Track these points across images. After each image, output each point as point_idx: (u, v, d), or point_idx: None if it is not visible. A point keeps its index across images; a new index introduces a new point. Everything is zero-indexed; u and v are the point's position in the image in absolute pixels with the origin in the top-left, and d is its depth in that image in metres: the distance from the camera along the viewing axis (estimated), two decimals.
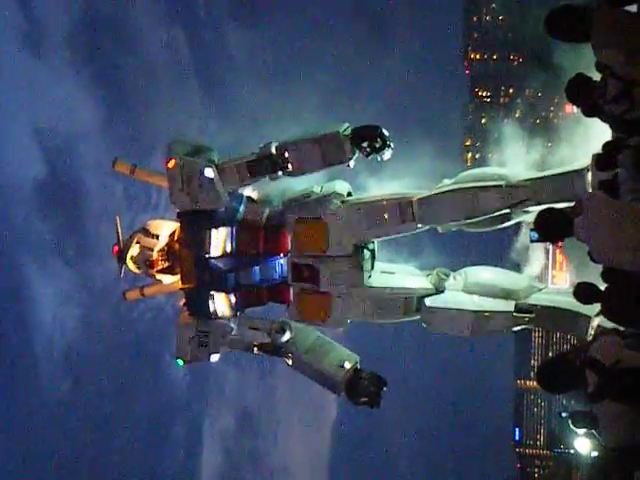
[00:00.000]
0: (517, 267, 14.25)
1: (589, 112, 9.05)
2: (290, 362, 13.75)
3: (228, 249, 13.59)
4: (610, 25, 8.44)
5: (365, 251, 13.36)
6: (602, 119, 9.18)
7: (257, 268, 13.72)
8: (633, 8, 8.72)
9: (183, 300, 13.97)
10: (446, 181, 13.02)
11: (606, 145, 9.04)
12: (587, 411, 8.87)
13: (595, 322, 12.02)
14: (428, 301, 13.23)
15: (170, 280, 14.15)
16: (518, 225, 13.58)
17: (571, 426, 9.91)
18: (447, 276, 13.51)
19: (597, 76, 8.93)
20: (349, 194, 13.46)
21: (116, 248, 14.16)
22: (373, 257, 13.56)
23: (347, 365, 13.41)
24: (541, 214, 8.72)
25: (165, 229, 14.12)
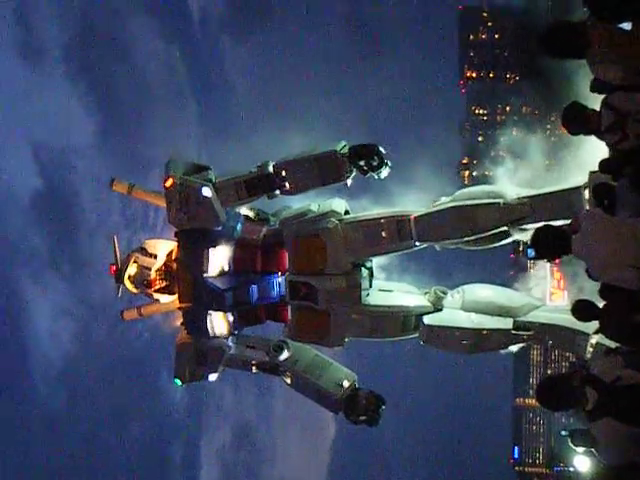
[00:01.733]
0: (515, 285, 14.24)
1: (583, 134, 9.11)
2: (288, 381, 13.72)
3: (226, 268, 13.58)
4: (606, 41, 8.46)
5: (363, 269, 13.36)
6: (599, 137, 9.21)
7: (255, 287, 13.70)
8: (628, 26, 8.76)
9: (181, 320, 13.94)
10: (443, 199, 13.03)
11: (603, 163, 9.06)
12: (586, 429, 8.84)
13: (593, 340, 12.00)
14: (426, 319, 13.21)
15: (168, 299, 14.13)
16: (516, 243, 13.59)
17: (570, 444, 9.87)
18: (445, 294, 13.51)
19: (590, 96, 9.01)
20: (346, 212, 13.47)
21: (114, 267, 14.15)
22: (371, 275, 13.56)
23: (345, 384, 13.39)
24: (538, 231, 8.72)
25: (163, 248, 14.12)
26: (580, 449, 10.27)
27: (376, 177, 13.06)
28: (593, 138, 9.11)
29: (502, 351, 13.42)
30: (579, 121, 8.81)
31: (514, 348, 13.30)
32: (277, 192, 13.39)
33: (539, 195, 12.42)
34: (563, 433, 9.96)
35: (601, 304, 8.55)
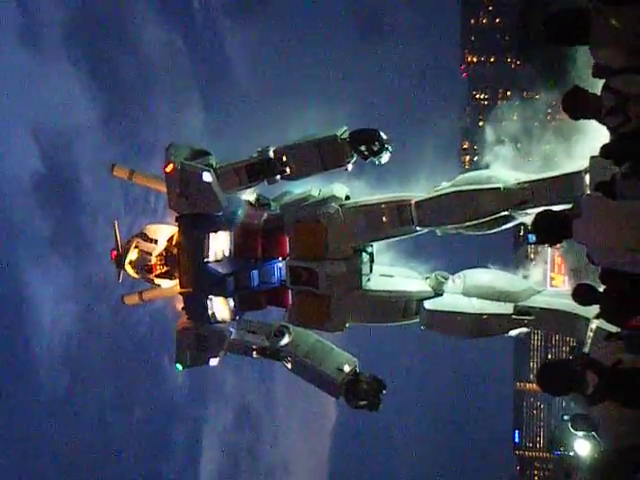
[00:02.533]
0: (515, 270, 14.24)
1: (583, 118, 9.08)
2: (289, 366, 13.75)
3: (227, 253, 13.57)
4: (608, 25, 8.43)
5: (364, 254, 13.36)
6: (599, 121, 9.19)
7: (256, 272, 13.71)
8: None
9: (182, 304, 13.96)
10: (444, 184, 13.01)
11: (604, 147, 9.04)
12: (586, 414, 8.86)
13: (594, 324, 12.00)
14: (427, 304, 13.22)
15: (169, 284, 14.15)
16: (517, 227, 13.58)
17: (571, 429, 9.90)
18: (446, 279, 13.51)
19: (590, 82, 8.98)
20: (347, 197, 13.45)
21: (114, 253, 14.17)
22: (372, 260, 13.57)
23: (346, 368, 13.42)
24: (539, 216, 8.71)
25: (164, 233, 14.13)
26: (580, 433, 10.32)
27: (377, 162, 13.04)
28: (594, 123, 9.10)
29: (504, 335, 13.45)
30: (580, 105, 8.79)
31: (515, 333, 13.32)
32: (278, 177, 13.37)
33: (540, 180, 12.40)
34: (565, 418, 10.01)
35: (602, 288, 8.57)
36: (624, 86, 8.42)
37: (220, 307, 13.69)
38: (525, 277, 13.94)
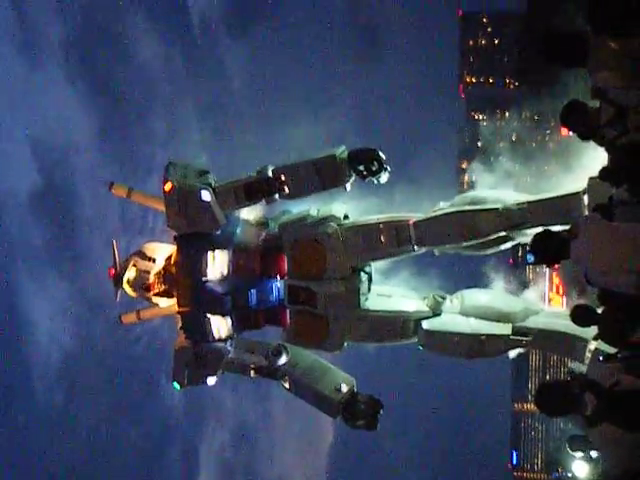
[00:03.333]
0: (513, 290, 14.23)
1: (584, 136, 9.09)
2: (287, 385, 13.71)
3: (225, 272, 13.56)
4: (606, 49, 8.48)
5: (362, 274, 13.36)
6: (597, 143, 9.22)
7: (254, 291, 13.68)
8: None
9: (180, 323, 13.94)
10: (442, 204, 13.03)
11: (603, 169, 9.06)
12: (583, 435, 8.84)
13: (592, 345, 11.98)
14: (425, 324, 13.20)
15: (167, 303, 14.12)
16: (515, 248, 13.59)
17: (568, 449, 9.87)
18: (444, 299, 13.50)
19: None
20: (346, 217, 13.46)
21: (112, 271, 14.14)
22: (370, 280, 13.56)
23: (344, 388, 13.37)
24: (537, 236, 8.73)
25: (162, 252, 14.11)
26: (578, 454, 10.28)
27: (375, 182, 13.05)
28: (592, 145, 9.13)
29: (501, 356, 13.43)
30: (579, 116, 8.81)
31: (512, 353, 13.30)
32: (276, 196, 13.38)
33: (538, 200, 12.43)
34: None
35: (600, 309, 8.56)
36: (622, 98, 8.46)
37: (218, 326, 13.65)
38: (523, 297, 13.93)
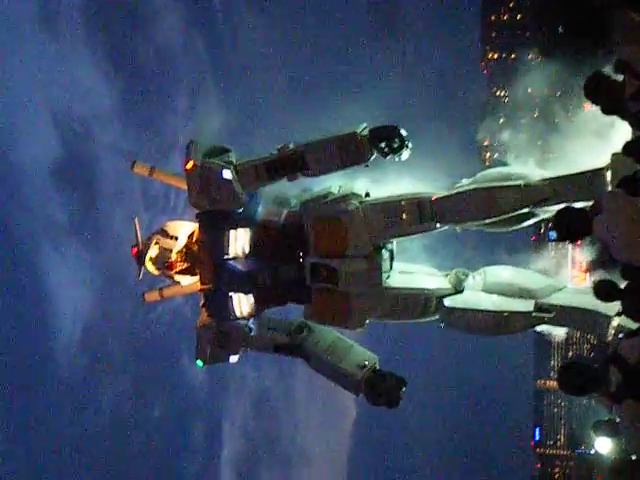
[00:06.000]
0: (536, 267, 14.17)
1: (608, 110, 9.00)
2: (309, 362, 13.75)
3: (247, 250, 13.60)
4: (633, 23, 8.39)
5: (384, 251, 13.34)
6: (621, 117, 9.13)
7: (275, 269, 13.71)
8: None
9: (202, 301, 14.00)
10: (464, 181, 12.99)
11: (627, 144, 8.98)
12: (608, 420, 8.81)
13: (615, 322, 11.95)
14: (447, 301, 13.19)
15: (189, 281, 14.18)
16: (538, 224, 13.51)
17: (592, 434, 9.84)
18: (466, 276, 13.48)
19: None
20: (367, 194, 13.44)
21: (135, 249, 14.19)
22: (392, 257, 13.54)
23: (366, 365, 13.39)
24: (560, 213, 8.68)
25: (184, 230, 14.16)
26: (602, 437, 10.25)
27: (397, 159, 13.00)
28: (615, 119, 9.04)
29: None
30: (602, 89, 8.73)
31: (541, 328, 13.27)
32: (298, 174, 13.36)
33: (561, 177, 12.36)
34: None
35: (623, 285, 8.51)
36: None
37: (240, 304, 13.70)
38: (546, 274, 13.88)
